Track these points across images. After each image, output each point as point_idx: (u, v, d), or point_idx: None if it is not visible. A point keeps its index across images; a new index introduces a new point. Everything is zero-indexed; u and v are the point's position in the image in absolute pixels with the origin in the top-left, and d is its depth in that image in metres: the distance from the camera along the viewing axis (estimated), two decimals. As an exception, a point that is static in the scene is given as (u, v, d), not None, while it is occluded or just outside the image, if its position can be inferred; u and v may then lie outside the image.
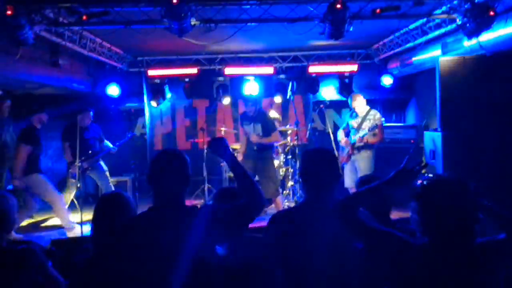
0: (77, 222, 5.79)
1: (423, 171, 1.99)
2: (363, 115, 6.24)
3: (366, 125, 6.11)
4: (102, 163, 6.60)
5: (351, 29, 4.76)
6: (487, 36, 4.75)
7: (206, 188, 7.29)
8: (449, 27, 5.23)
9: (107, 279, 2.04)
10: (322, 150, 2.47)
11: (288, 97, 7.39)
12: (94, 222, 2.40)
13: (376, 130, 6.05)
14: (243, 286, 2.22)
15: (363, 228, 1.91)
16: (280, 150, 7.41)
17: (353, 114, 6.39)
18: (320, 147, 2.52)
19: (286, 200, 6.98)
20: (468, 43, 5.07)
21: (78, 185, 5.99)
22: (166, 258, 1.93)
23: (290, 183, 7.25)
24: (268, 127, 6.27)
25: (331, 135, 6.74)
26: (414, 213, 1.87)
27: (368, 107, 6.31)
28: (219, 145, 2.24)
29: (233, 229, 2.18)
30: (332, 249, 2.09)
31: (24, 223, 6.33)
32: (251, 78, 7.99)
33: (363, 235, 1.92)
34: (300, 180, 2.36)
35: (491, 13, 4.33)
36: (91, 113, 6.56)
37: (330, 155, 2.39)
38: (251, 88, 7.92)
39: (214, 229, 2.02)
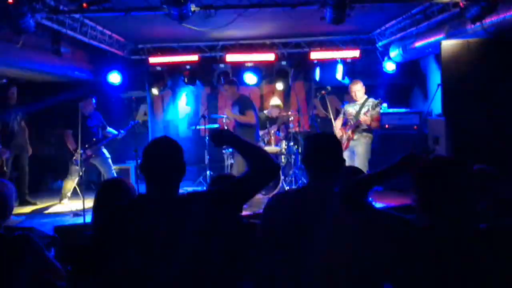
0: (79, 209, 5.82)
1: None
2: (362, 102, 6.22)
3: (364, 112, 6.10)
4: (104, 150, 6.63)
5: (352, 14, 4.72)
6: (491, 19, 4.69)
7: (208, 175, 7.30)
8: (453, 11, 5.17)
9: (106, 266, 2.02)
10: (326, 135, 2.44)
11: (289, 83, 7.36)
12: (94, 208, 2.40)
13: (375, 114, 6.03)
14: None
15: (370, 211, 1.89)
16: (282, 136, 7.41)
17: (351, 101, 6.38)
18: (323, 132, 2.48)
19: (288, 187, 6.98)
20: (472, 27, 5.01)
21: (80, 172, 6.02)
22: (154, 248, 1.86)
23: (292, 169, 7.25)
24: (241, 107, 6.38)
25: (333, 122, 6.71)
26: (414, 194, 1.86)
27: (366, 96, 6.30)
28: (221, 137, 2.13)
29: (247, 198, 2.13)
30: (334, 235, 2.07)
31: (28, 209, 6.39)
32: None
33: (370, 219, 1.90)
34: (303, 166, 2.31)
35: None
36: (94, 100, 6.56)
37: (333, 140, 2.35)
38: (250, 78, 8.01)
39: (219, 209, 1.97)
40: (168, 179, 2.00)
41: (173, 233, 1.88)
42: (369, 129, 6.22)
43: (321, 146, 2.27)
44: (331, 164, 2.23)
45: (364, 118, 6.06)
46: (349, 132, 6.23)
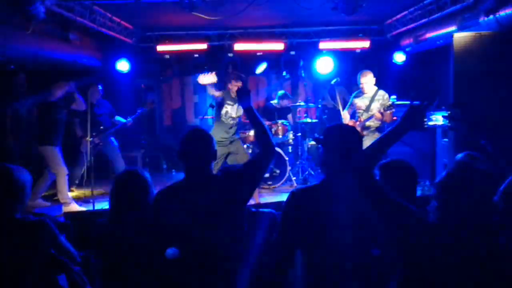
0: (88, 196, 5.86)
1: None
2: (371, 95, 5.90)
3: (375, 106, 5.80)
4: (113, 138, 6.64)
5: (364, 4, 4.68)
6: (505, 12, 4.63)
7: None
8: (466, 2, 5.11)
9: (131, 252, 2.14)
10: (348, 127, 2.35)
11: (298, 74, 7.33)
12: (112, 198, 2.41)
13: (388, 112, 5.68)
14: None
15: (391, 203, 1.85)
16: (289, 127, 7.39)
17: (360, 93, 6.06)
18: (344, 124, 2.46)
19: (294, 177, 7.00)
20: (485, 19, 4.95)
21: (89, 159, 6.03)
22: (208, 220, 2.23)
23: (299, 160, 7.26)
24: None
25: (342, 113, 6.65)
26: (434, 199, 1.82)
27: (375, 87, 5.96)
28: (245, 96, 2.59)
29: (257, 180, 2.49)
30: (356, 228, 2.04)
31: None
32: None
33: (389, 211, 1.86)
34: (324, 159, 2.22)
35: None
36: (100, 87, 6.55)
37: (356, 131, 2.27)
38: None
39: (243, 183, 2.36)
40: (204, 164, 2.36)
41: (212, 206, 2.26)
42: (379, 129, 5.91)
43: (345, 139, 2.16)
44: (353, 156, 2.11)
45: (378, 116, 5.77)
46: (359, 129, 5.86)
